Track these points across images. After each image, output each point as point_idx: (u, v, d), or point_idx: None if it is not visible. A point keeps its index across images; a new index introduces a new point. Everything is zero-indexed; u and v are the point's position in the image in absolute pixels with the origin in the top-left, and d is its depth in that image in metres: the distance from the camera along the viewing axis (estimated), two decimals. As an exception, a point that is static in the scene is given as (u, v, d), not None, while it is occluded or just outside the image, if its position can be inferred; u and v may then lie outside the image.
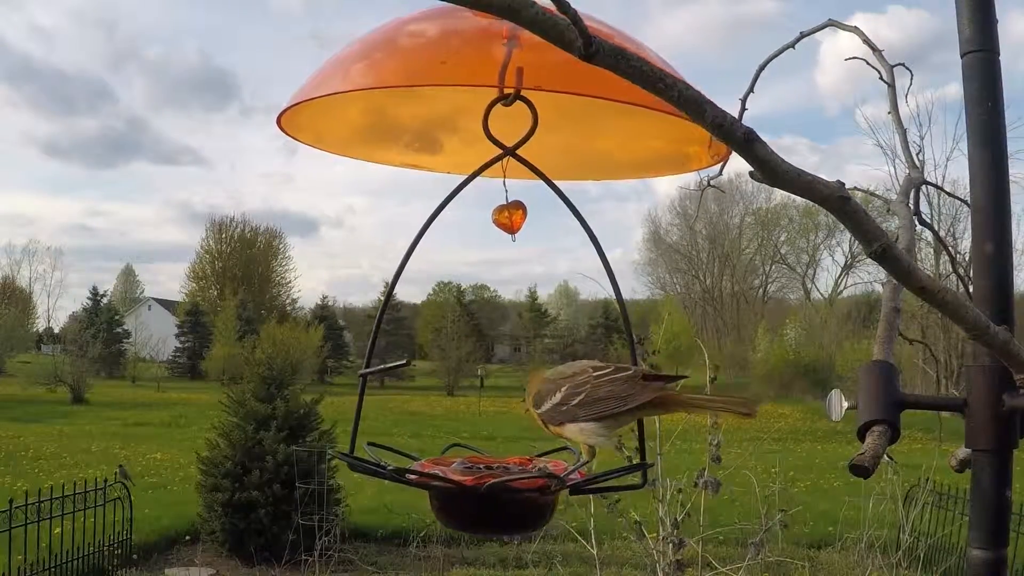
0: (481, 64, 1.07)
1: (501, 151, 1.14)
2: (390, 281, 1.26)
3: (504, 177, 1.19)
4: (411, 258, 1.18)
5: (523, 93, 1.08)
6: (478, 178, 1.18)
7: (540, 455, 1.30)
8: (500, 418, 24.98)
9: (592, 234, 1.22)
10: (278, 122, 1.19)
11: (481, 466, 1.21)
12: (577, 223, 1.21)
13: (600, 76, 0.68)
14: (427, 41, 1.10)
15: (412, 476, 1.14)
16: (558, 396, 1.13)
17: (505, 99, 1.09)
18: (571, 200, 1.21)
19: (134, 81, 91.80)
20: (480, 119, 1.13)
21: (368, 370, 1.24)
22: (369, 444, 1.21)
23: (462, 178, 1.18)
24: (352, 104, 1.24)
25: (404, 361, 1.45)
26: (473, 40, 1.07)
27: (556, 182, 1.20)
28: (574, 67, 0.67)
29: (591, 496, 3.92)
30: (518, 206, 1.24)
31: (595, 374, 1.13)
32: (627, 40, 1.13)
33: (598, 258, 1.23)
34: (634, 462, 1.29)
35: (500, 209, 1.23)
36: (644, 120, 1.23)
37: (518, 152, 1.15)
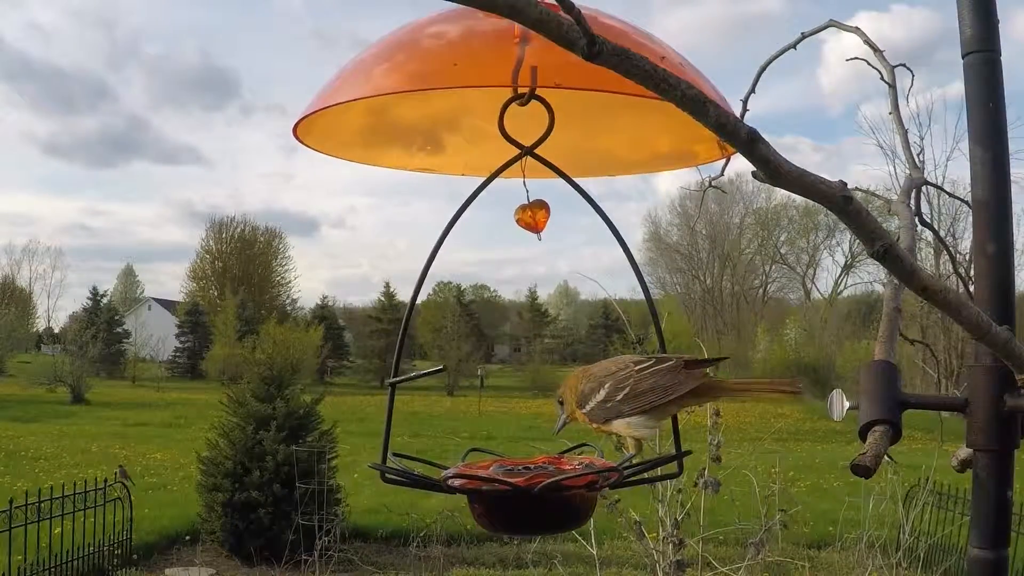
0: (496, 64, 1.06)
1: (516, 151, 1.13)
2: (415, 289, 1.23)
3: (524, 177, 1.18)
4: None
5: (538, 92, 1.08)
6: (478, 177, 1.17)
7: (563, 452, 1.30)
8: (500, 418, 24.99)
9: (615, 229, 1.21)
10: (294, 130, 1.18)
11: (520, 468, 1.19)
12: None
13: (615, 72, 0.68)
14: (446, 43, 1.10)
15: (458, 482, 1.13)
16: (602, 393, 1.13)
17: (520, 99, 1.09)
18: (594, 199, 1.20)
19: (134, 80, 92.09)
20: (487, 118, 1.12)
21: (397, 379, 1.22)
22: (395, 455, 1.19)
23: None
24: (358, 106, 1.24)
25: (440, 367, 1.43)
26: (490, 41, 1.07)
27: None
28: (589, 64, 0.67)
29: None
30: (541, 205, 1.22)
31: (636, 368, 1.13)
32: (642, 36, 1.12)
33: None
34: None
35: (523, 208, 1.22)
36: (652, 117, 1.23)
37: (536, 151, 1.14)
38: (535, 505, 1.10)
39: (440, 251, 1.16)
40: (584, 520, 1.17)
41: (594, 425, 1.15)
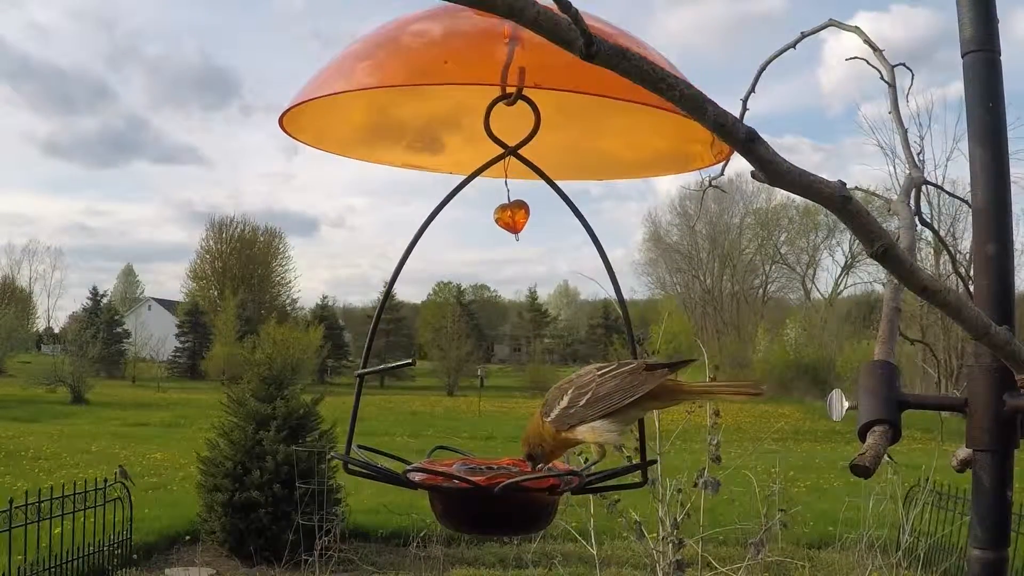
0: (483, 63, 1.07)
1: (502, 151, 1.14)
2: (389, 281, 1.25)
3: (506, 177, 1.19)
4: (411, 258, 1.18)
5: (525, 92, 1.08)
6: (479, 177, 1.17)
7: None
8: (500, 418, 24.98)
9: (593, 234, 1.22)
10: (280, 122, 1.18)
11: (483, 467, 1.20)
12: (578, 223, 1.21)
13: (602, 75, 0.68)
14: (430, 41, 1.10)
15: (419, 477, 1.13)
16: (565, 400, 1.14)
17: (507, 98, 1.09)
18: (572, 200, 1.21)
19: (134, 80, 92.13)
20: (481, 118, 1.12)
21: (365, 370, 1.22)
22: (360, 447, 1.20)
23: (463, 177, 1.18)
24: (354, 103, 1.24)
25: (409, 360, 1.43)
26: (476, 40, 1.07)
27: (559, 182, 1.20)
28: (576, 66, 0.67)
29: (591, 496, 3.92)
30: (520, 205, 1.23)
31: (599, 373, 1.14)
32: (630, 40, 1.12)
33: (599, 258, 1.23)
34: (634, 461, 1.29)
35: (503, 208, 1.22)
36: (647, 119, 1.23)
37: (520, 152, 1.14)
38: (495, 505, 1.09)
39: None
40: (545, 523, 1.17)
41: (561, 434, 1.14)
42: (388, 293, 1.24)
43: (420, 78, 1.10)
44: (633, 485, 1.29)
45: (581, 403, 1.12)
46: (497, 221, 1.23)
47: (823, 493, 11.11)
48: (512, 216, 1.23)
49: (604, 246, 1.22)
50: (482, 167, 1.15)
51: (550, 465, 1.21)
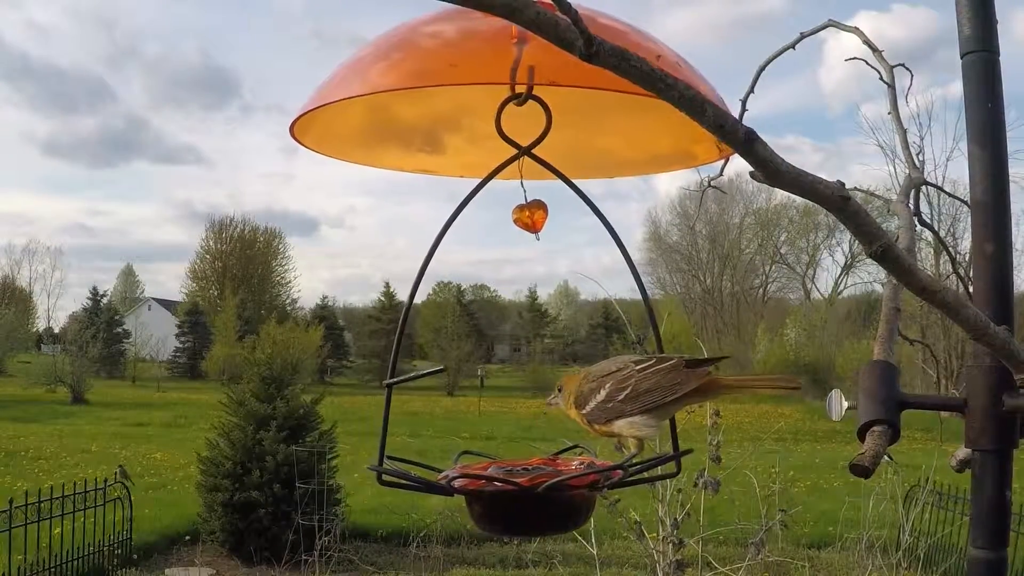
0: (493, 64, 1.06)
1: (514, 151, 1.13)
2: (411, 289, 1.22)
3: (521, 177, 1.18)
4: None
5: (536, 91, 1.08)
6: (480, 178, 1.17)
7: (556, 453, 1.30)
8: (500, 418, 24.99)
9: (613, 231, 1.21)
10: (291, 128, 1.17)
11: (518, 468, 1.19)
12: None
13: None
14: (442, 42, 1.10)
15: (459, 483, 1.12)
16: (602, 393, 1.13)
17: (517, 98, 1.09)
18: (591, 200, 1.20)
19: (133, 79, 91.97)
20: (486, 118, 1.12)
21: (394, 380, 1.21)
22: (389, 458, 1.18)
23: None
24: (356, 106, 1.23)
25: (440, 368, 1.43)
26: (487, 40, 1.07)
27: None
28: (586, 63, 0.66)
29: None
30: (539, 205, 1.22)
31: (638, 368, 1.13)
32: (639, 36, 1.12)
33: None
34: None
35: (521, 208, 1.21)
36: (651, 116, 1.23)
37: (533, 151, 1.14)
38: (537, 505, 1.09)
39: (440, 251, 1.16)
40: (584, 520, 1.17)
41: (595, 427, 1.14)
42: (411, 301, 1.23)
43: (431, 80, 1.09)
44: (669, 475, 1.30)
45: (620, 398, 1.12)
46: (516, 222, 1.22)
47: (823, 493, 11.10)
48: (531, 216, 1.22)
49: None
50: (498, 168, 1.14)
51: (588, 461, 1.21)
